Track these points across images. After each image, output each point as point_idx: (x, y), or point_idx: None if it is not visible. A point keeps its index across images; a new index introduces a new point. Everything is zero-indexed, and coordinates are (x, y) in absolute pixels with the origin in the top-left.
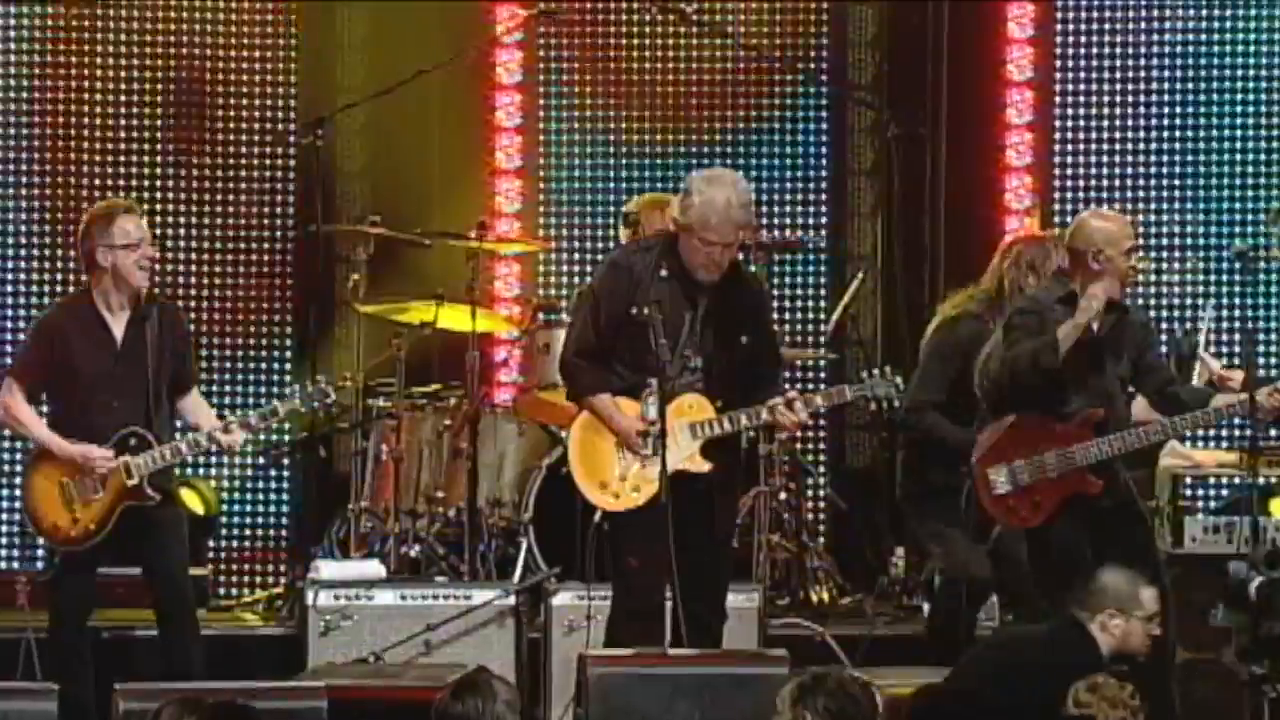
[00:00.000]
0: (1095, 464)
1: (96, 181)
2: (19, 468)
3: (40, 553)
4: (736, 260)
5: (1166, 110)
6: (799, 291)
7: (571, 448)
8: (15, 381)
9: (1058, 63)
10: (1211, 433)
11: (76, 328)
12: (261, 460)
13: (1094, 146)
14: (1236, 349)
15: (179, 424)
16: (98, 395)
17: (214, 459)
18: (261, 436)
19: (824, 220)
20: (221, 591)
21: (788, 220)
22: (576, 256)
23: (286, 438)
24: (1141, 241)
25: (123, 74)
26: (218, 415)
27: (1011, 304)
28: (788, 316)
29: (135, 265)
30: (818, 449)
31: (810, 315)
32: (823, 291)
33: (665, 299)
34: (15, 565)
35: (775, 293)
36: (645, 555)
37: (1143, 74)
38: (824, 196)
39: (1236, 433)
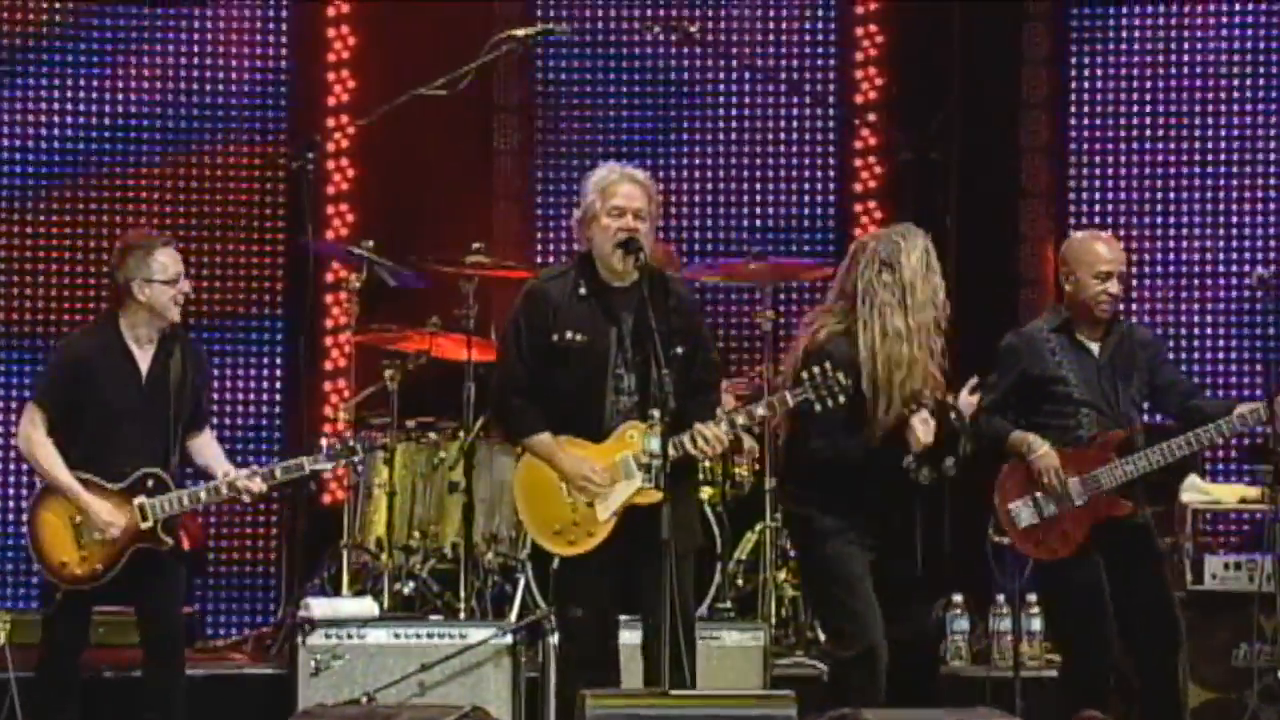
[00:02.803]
0: (1122, 486)
1: (80, 207)
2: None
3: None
4: (660, 269)
5: (1186, 133)
6: (805, 319)
7: (517, 494)
8: (39, 410)
9: (1073, 84)
10: (1232, 466)
11: (103, 359)
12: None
13: (1110, 171)
14: (1258, 379)
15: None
16: (119, 429)
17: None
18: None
19: (831, 248)
20: (209, 630)
21: (793, 248)
22: None
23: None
24: (1153, 269)
25: (106, 95)
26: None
27: (870, 306)
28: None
29: (172, 300)
30: None
31: None
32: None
33: (587, 320)
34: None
35: (778, 325)
36: (594, 602)
37: (1161, 94)
38: (830, 223)
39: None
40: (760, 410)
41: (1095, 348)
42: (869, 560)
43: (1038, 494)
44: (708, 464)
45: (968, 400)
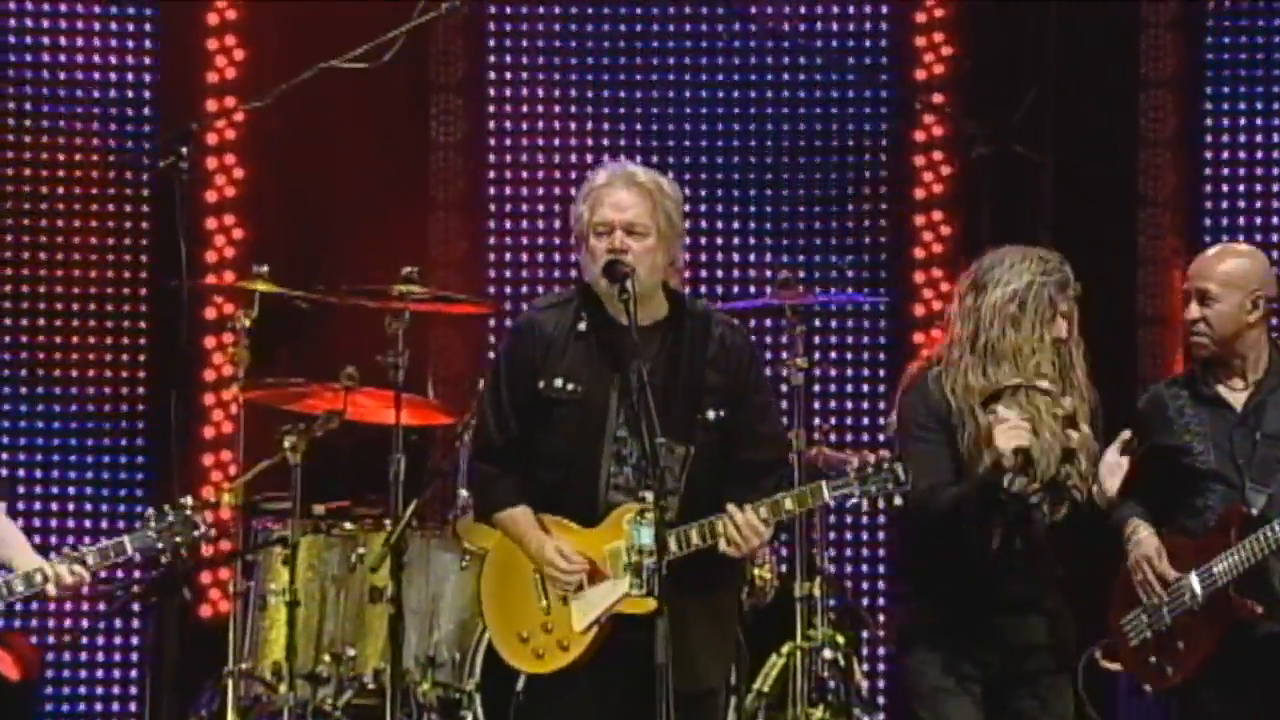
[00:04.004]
0: (1247, 578)
1: None
2: None
3: None
4: (703, 305)
5: None
6: (849, 371)
7: (484, 587)
8: None
9: (1209, 56)
10: None
11: None
12: (102, 607)
13: (1259, 171)
14: None
15: None
16: None
17: (34, 606)
18: (102, 574)
19: (882, 274)
20: None
21: (831, 274)
22: None
23: (137, 575)
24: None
25: None
26: (36, 546)
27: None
28: (833, 405)
29: None
30: (875, 587)
31: (866, 402)
32: (882, 371)
33: (582, 364)
34: None
35: (810, 378)
36: None
37: None
38: (881, 239)
39: None
40: (788, 504)
41: (1238, 398)
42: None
43: (1152, 598)
44: None
45: (1115, 461)
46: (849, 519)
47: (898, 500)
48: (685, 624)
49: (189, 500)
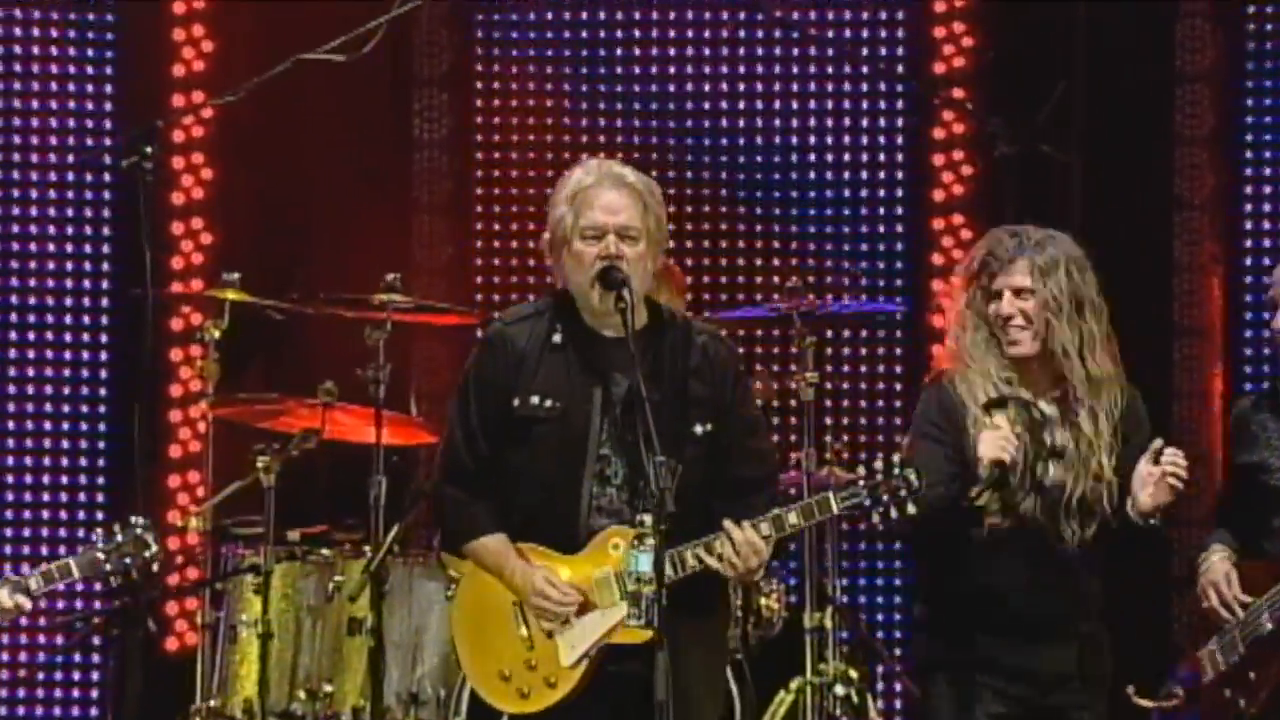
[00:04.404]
0: None
1: None
2: None
3: None
4: (682, 314)
5: None
6: (863, 385)
7: (455, 624)
8: None
9: (1251, 46)
10: None
11: None
12: (60, 639)
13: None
14: None
15: None
16: None
17: None
18: (59, 604)
19: (898, 282)
20: None
21: (844, 282)
22: None
23: (97, 605)
24: None
25: None
26: None
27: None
28: (846, 422)
29: None
30: (892, 619)
31: (881, 419)
32: (898, 386)
33: (561, 379)
34: None
35: (821, 393)
36: None
37: None
38: (898, 246)
39: None
40: (792, 518)
41: None
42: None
43: (1227, 624)
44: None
45: (1146, 472)
46: (862, 544)
47: (911, 509)
48: (677, 655)
49: (140, 519)
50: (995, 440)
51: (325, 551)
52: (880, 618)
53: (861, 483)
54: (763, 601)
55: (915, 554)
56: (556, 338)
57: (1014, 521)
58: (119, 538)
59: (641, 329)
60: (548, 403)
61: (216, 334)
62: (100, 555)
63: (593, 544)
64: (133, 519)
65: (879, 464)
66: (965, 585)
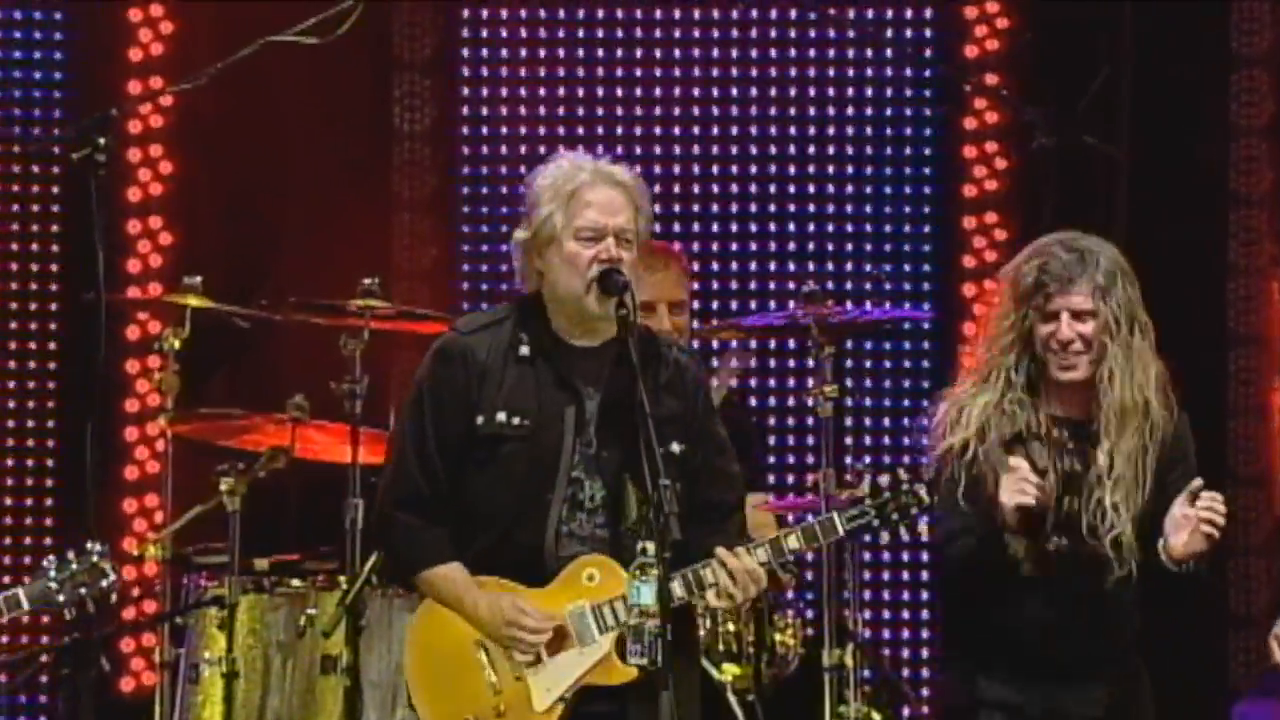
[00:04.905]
0: None
1: None
2: None
3: None
4: (645, 325)
5: None
6: (887, 400)
7: (409, 666)
8: None
9: None
10: None
11: None
12: (4, 678)
13: None
14: None
15: None
16: None
17: None
18: (3, 639)
19: (925, 286)
20: None
21: (866, 287)
22: None
23: (45, 640)
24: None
25: None
26: None
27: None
28: (868, 440)
29: None
30: (919, 656)
31: (907, 436)
32: (925, 400)
33: (530, 394)
34: None
35: (841, 407)
36: None
37: None
38: (926, 247)
39: None
40: (792, 541)
41: None
42: None
43: None
44: (731, 626)
45: (1180, 515)
46: (886, 574)
47: (922, 527)
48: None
49: (97, 545)
50: (1017, 484)
51: (296, 582)
52: (906, 654)
53: (868, 500)
54: (777, 637)
55: (939, 590)
56: (523, 349)
57: (1042, 565)
58: (73, 566)
59: (609, 340)
60: (515, 420)
61: (177, 344)
62: (53, 585)
63: (563, 575)
64: (88, 545)
65: (885, 479)
66: (991, 625)
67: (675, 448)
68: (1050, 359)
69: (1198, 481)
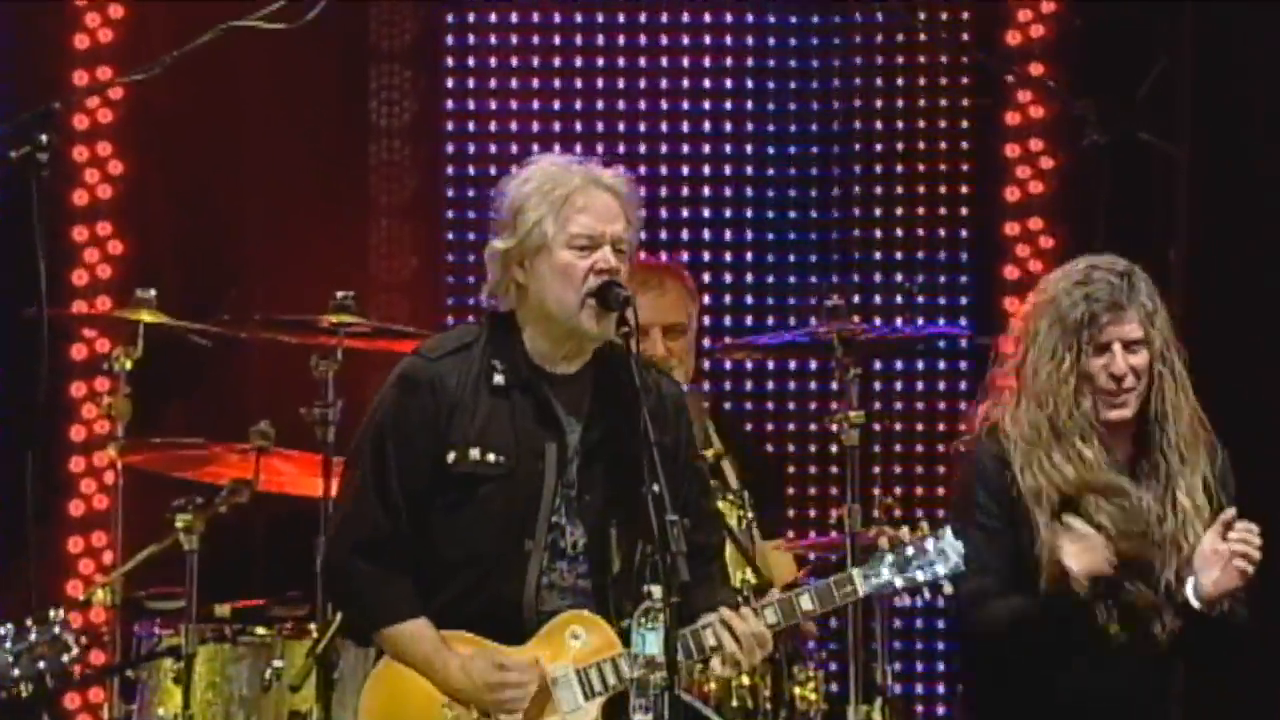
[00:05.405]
0: None
1: None
2: None
3: None
4: (620, 345)
5: None
6: (919, 426)
7: None
8: None
9: None
10: None
11: None
12: None
13: None
14: None
15: None
16: None
17: None
18: None
19: (961, 299)
20: None
21: (895, 300)
22: None
23: None
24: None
25: None
26: None
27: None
28: (898, 470)
29: None
30: (951, 713)
31: (941, 467)
32: (961, 427)
33: (505, 428)
34: None
35: (868, 435)
36: None
37: None
38: (964, 254)
39: None
40: (805, 602)
41: None
42: None
43: None
44: (746, 679)
45: (1211, 550)
46: (919, 621)
47: (947, 589)
48: None
49: (59, 614)
50: (1085, 551)
51: (261, 631)
52: (941, 711)
53: (890, 558)
54: (797, 690)
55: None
56: (498, 378)
57: (1121, 628)
58: (32, 637)
59: (585, 365)
60: (491, 457)
61: (128, 364)
62: (8, 658)
63: (544, 632)
64: (51, 614)
65: (907, 533)
66: (1028, 692)
67: (658, 485)
68: (1099, 399)
69: (1230, 512)
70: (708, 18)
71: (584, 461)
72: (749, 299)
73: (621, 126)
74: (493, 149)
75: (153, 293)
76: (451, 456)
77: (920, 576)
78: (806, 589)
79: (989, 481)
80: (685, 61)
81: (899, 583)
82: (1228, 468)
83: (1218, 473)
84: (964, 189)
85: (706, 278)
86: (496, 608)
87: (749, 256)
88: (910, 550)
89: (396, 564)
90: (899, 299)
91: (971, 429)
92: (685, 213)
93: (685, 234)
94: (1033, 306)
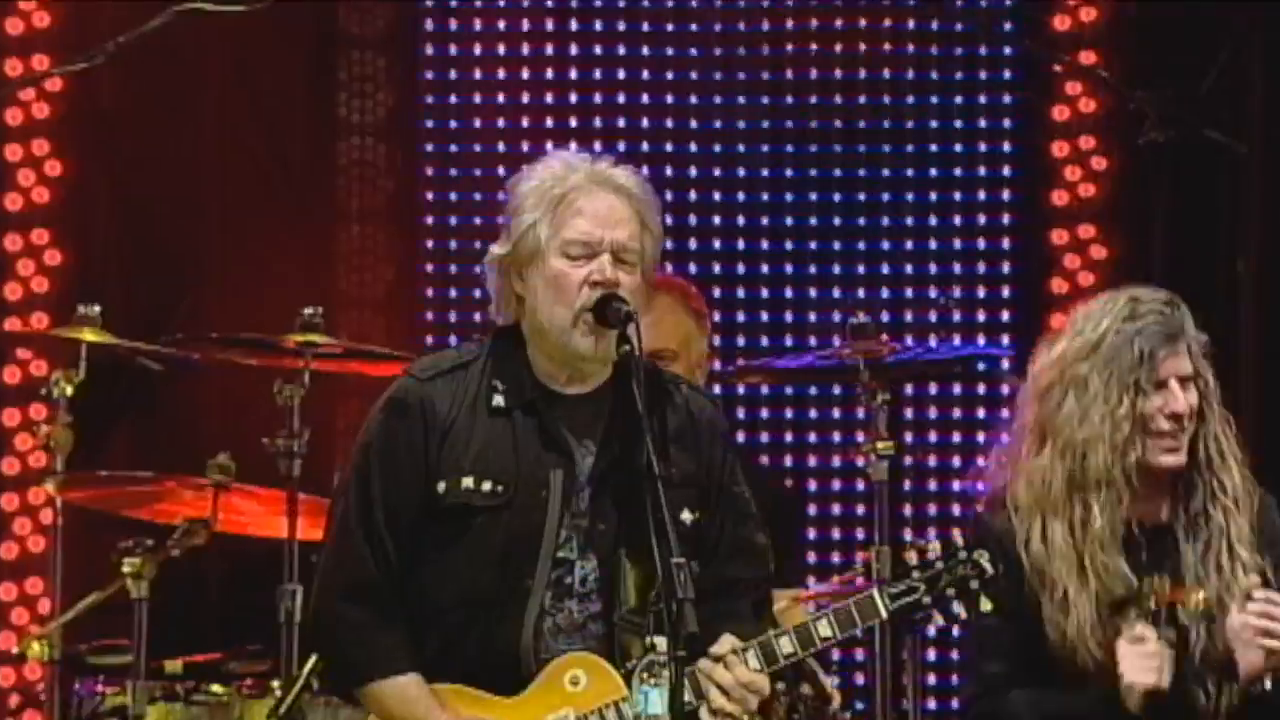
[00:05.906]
0: None
1: None
2: None
3: None
4: (654, 361)
5: None
6: (955, 458)
7: None
8: None
9: None
10: None
11: None
12: None
13: None
14: None
15: None
16: None
17: None
18: None
19: (1005, 316)
20: None
21: (929, 319)
22: None
23: None
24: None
25: None
26: None
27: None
28: (933, 509)
29: None
30: None
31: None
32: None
33: (506, 455)
34: None
35: (899, 468)
36: None
37: None
38: (1006, 266)
39: None
40: (823, 628)
41: None
42: None
43: None
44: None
45: (1240, 622)
46: (954, 652)
47: (985, 605)
48: None
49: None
50: (1144, 659)
51: (218, 688)
52: None
53: (916, 573)
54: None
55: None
56: (497, 399)
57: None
58: None
59: (604, 384)
60: (486, 486)
61: (69, 389)
62: None
63: (542, 677)
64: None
65: (934, 548)
66: None
67: (686, 516)
68: (1151, 443)
69: (1253, 579)
70: (718, 2)
71: (596, 490)
72: (765, 316)
73: (622, 123)
74: (476, 148)
75: (96, 309)
76: (442, 487)
77: (950, 592)
78: (824, 614)
79: (988, 547)
80: (693, 50)
81: (926, 600)
82: (1273, 516)
83: (1262, 523)
84: (1006, 193)
85: (716, 292)
86: (493, 654)
87: (765, 268)
88: (938, 564)
89: (388, 609)
90: (933, 316)
91: (988, 482)
92: (693, 219)
93: (693, 243)
94: (1069, 350)
